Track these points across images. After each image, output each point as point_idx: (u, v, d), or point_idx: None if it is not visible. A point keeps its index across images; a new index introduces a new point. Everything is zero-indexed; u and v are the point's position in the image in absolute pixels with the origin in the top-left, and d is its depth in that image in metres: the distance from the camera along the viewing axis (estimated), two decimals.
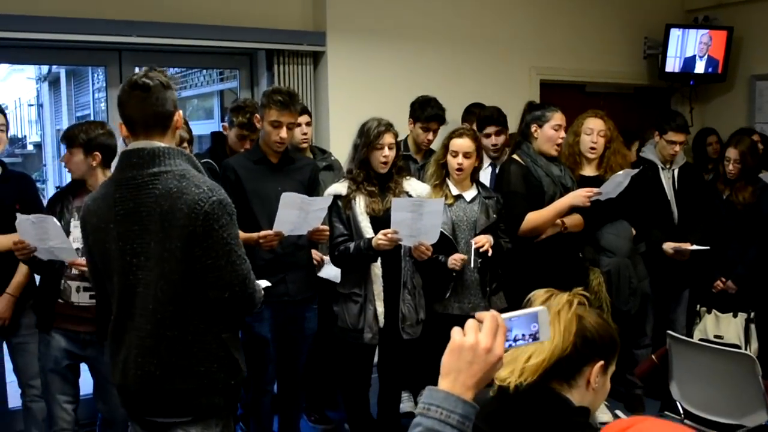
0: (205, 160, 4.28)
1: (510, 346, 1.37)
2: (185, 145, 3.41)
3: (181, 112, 2.52)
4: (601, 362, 1.80)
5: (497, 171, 4.49)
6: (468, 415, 1.27)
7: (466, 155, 3.92)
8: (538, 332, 1.39)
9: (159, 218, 2.33)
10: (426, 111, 4.55)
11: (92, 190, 3.38)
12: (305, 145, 4.45)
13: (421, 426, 1.27)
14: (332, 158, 4.56)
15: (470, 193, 4.01)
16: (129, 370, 2.42)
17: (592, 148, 4.36)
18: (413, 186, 3.88)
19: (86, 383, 3.65)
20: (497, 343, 1.31)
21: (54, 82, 11.72)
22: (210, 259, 2.34)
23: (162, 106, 2.41)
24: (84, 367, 3.58)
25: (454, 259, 3.79)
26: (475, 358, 1.30)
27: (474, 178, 4.06)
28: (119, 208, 2.39)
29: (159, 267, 2.35)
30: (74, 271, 3.35)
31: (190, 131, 3.62)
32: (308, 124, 4.43)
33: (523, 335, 1.38)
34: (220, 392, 2.47)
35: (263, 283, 2.80)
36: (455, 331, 1.33)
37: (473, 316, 1.35)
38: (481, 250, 3.81)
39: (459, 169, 3.93)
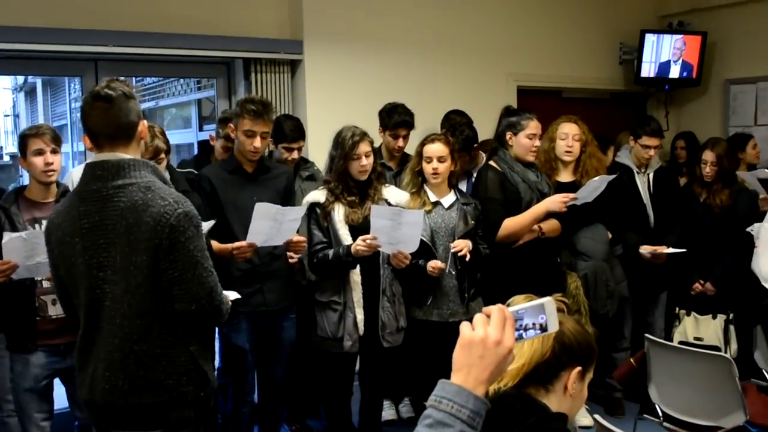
0: (188, 170, 4.27)
1: (521, 336, 1.36)
2: (162, 155, 3.39)
3: (145, 122, 2.50)
4: (579, 368, 1.81)
5: (474, 177, 4.50)
6: (479, 411, 1.27)
7: (440, 159, 3.93)
8: (547, 322, 1.38)
9: (125, 231, 2.31)
10: (393, 118, 4.55)
11: (34, 199, 3.37)
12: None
13: (431, 418, 1.27)
14: (314, 168, 4.56)
15: (448, 200, 4.02)
16: (97, 384, 2.40)
17: (567, 152, 4.38)
18: (392, 194, 3.88)
19: (58, 397, 3.61)
20: (507, 335, 1.31)
21: (30, 92, 11.65)
22: (176, 272, 2.32)
23: (125, 116, 2.39)
24: (56, 381, 3.53)
25: (432, 267, 3.80)
26: (486, 352, 1.29)
27: (452, 184, 4.07)
28: (84, 221, 2.37)
29: (125, 280, 2.33)
30: (45, 285, 3.31)
31: (167, 141, 3.60)
32: (300, 149, 4.41)
33: (533, 324, 1.38)
34: (190, 405, 2.45)
35: (232, 295, 2.79)
36: (464, 326, 1.33)
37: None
38: (459, 254, 3.82)
39: (435, 174, 3.94)
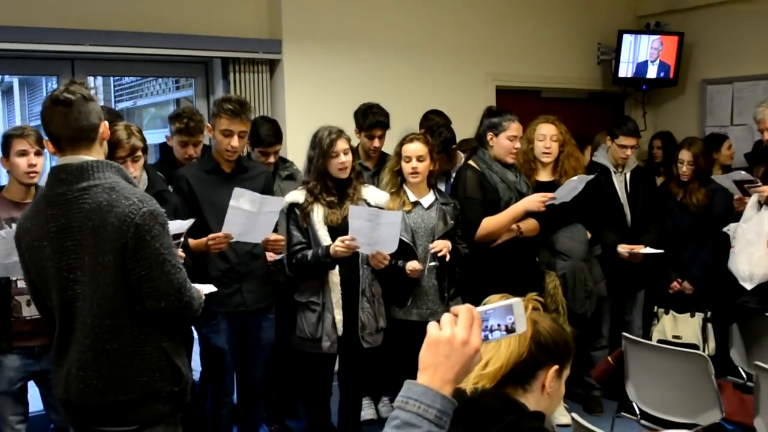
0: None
1: (486, 337, 1.36)
2: (139, 153, 3.37)
3: (107, 123, 2.51)
4: (556, 367, 1.82)
5: (453, 178, 4.51)
6: (446, 410, 1.27)
7: (419, 159, 3.93)
8: (515, 323, 1.38)
9: (91, 233, 2.34)
10: (368, 119, 4.54)
11: (12, 199, 3.35)
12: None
13: (399, 419, 1.27)
14: (294, 167, 4.54)
15: (428, 200, 4.02)
16: (71, 384, 2.43)
17: (546, 153, 4.40)
18: (371, 194, 3.88)
19: (33, 399, 3.57)
20: (474, 335, 1.31)
21: (7, 92, 11.52)
22: (144, 270, 2.35)
23: (86, 119, 2.41)
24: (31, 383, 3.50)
25: (411, 269, 3.80)
26: (453, 352, 1.29)
27: (431, 183, 4.07)
28: (52, 225, 2.40)
29: (94, 281, 2.36)
30: (21, 285, 3.28)
31: (143, 139, 3.57)
32: (277, 153, 4.40)
33: (499, 325, 1.37)
34: (164, 400, 2.48)
35: (207, 289, 2.80)
36: (431, 326, 1.32)
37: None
38: (439, 254, 3.83)
39: (414, 173, 3.94)
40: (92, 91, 2.50)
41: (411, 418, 1.26)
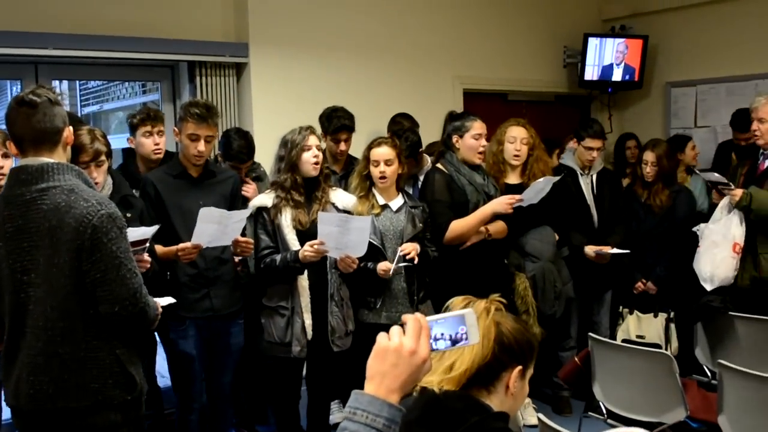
0: None
1: (431, 347, 1.35)
2: (103, 158, 3.33)
3: (71, 128, 2.51)
4: (519, 367, 1.83)
5: (420, 181, 4.52)
6: (394, 418, 1.28)
7: (387, 162, 3.94)
8: (467, 334, 1.37)
9: (47, 233, 2.33)
10: (332, 122, 4.53)
11: None
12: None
13: (347, 430, 1.27)
14: (261, 169, 4.52)
15: (396, 203, 4.03)
16: (21, 389, 2.40)
17: (516, 156, 4.43)
18: (340, 197, 3.89)
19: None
20: (422, 344, 1.31)
21: None
22: (99, 273, 2.34)
23: (50, 122, 2.41)
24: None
25: (382, 270, 3.80)
26: (399, 361, 1.30)
27: (399, 187, 4.08)
28: (8, 225, 2.38)
29: (48, 282, 2.34)
30: None
31: (107, 144, 3.54)
32: (248, 167, 4.37)
33: (442, 335, 1.36)
34: (117, 408, 2.46)
35: (164, 301, 2.77)
36: (380, 336, 1.33)
37: (401, 325, 1.35)
38: (407, 257, 3.83)
39: (383, 178, 3.95)
40: (59, 97, 2.50)
41: (359, 428, 1.27)
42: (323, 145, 4.49)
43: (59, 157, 2.44)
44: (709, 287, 4.38)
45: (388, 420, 1.27)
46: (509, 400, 1.83)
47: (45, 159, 2.39)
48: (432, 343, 1.35)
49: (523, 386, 1.86)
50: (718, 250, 4.37)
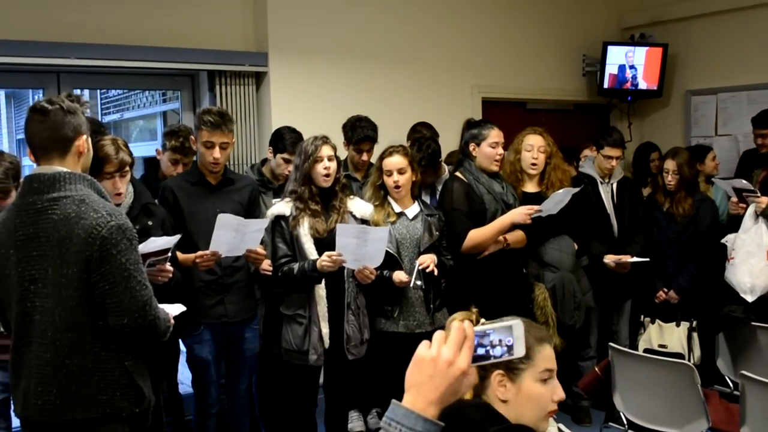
0: None
1: (487, 353, 1.31)
2: (127, 168, 3.34)
3: (85, 137, 2.49)
4: (499, 372, 1.80)
5: (438, 191, 4.51)
6: None
7: (400, 171, 3.93)
8: (513, 346, 1.32)
9: (57, 243, 2.32)
10: (356, 133, 4.52)
11: None
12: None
13: None
14: None
15: (412, 211, 4.02)
16: (29, 400, 2.39)
17: (533, 165, 4.41)
18: (357, 206, 3.89)
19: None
20: (462, 356, 1.26)
21: None
22: (108, 285, 2.33)
23: (58, 130, 2.41)
24: None
25: (399, 281, 3.79)
26: (436, 372, 1.26)
27: (415, 195, 4.07)
28: (20, 233, 2.38)
29: (57, 293, 2.33)
30: None
31: (131, 153, 3.57)
32: (288, 161, 4.38)
33: (500, 341, 1.31)
34: (124, 421, 2.44)
35: (176, 310, 2.75)
36: (422, 344, 1.29)
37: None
38: (427, 270, 3.82)
39: (397, 187, 3.94)
40: (83, 106, 2.50)
41: None
42: (344, 154, 4.50)
43: (71, 165, 2.44)
44: (750, 298, 4.34)
45: None
46: (511, 408, 1.79)
47: (58, 168, 2.39)
48: (488, 350, 1.31)
49: (519, 392, 1.81)
50: (755, 260, 4.32)
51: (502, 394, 1.78)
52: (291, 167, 4.26)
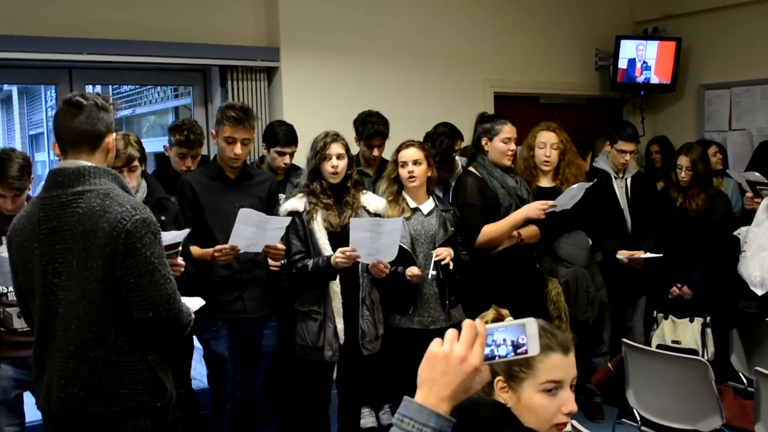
0: None
1: (492, 353, 1.30)
2: (135, 163, 3.35)
3: (114, 134, 2.50)
4: (499, 378, 1.79)
5: (452, 187, 4.50)
6: (441, 428, 1.24)
7: (415, 162, 3.92)
8: (527, 344, 1.31)
9: (81, 237, 2.32)
10: (367, 128, 4.53)
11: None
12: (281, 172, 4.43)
13: None
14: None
15: (427, 206, 4.01)
16: (52, 393, 2.39)
17: (546, 161, 4.39)
18: (370, 201, 3.88)
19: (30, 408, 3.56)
20: (473, 352, 1.26)
21: (6, 101, 11.54)
22: (132, 279, 2.33)
23: (92, 125, 2.41)
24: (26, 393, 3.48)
25: (411, 274, 3.79)
26: (449, 368, 1.26)
27: (429, 190, 4.06)
28: (43, 227, 2.38)
29: (81, 287, 2.33)
30: (11, 298, 3.26)
31: (141, 149, 3.58)
32: (292, 154, 4.41)
33: (504, 340, 1.30)
34: (146, 415, 2.44)
35: (196, 304, 2.75)
36: (434, 341, 1.29)
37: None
38: (443, 262, 3.81)
39: (411, 177, 3.93)
40: (111, 105, 2.50)
41: None
42: (356, 149, 4.50)
43: (98, 161, 2.44)
44: (760, 292, 4.31)
45: (435, 430, 1.24)
46: (520, 413, 1.77)
47: (83, 162, 2.40)
48: (494, 349, 1.30)
49: (519, 399, 1.78)
50: (766, 254, 4.30)
51: (504, 400, 1.77)
52: (287, 159, 4.29)
